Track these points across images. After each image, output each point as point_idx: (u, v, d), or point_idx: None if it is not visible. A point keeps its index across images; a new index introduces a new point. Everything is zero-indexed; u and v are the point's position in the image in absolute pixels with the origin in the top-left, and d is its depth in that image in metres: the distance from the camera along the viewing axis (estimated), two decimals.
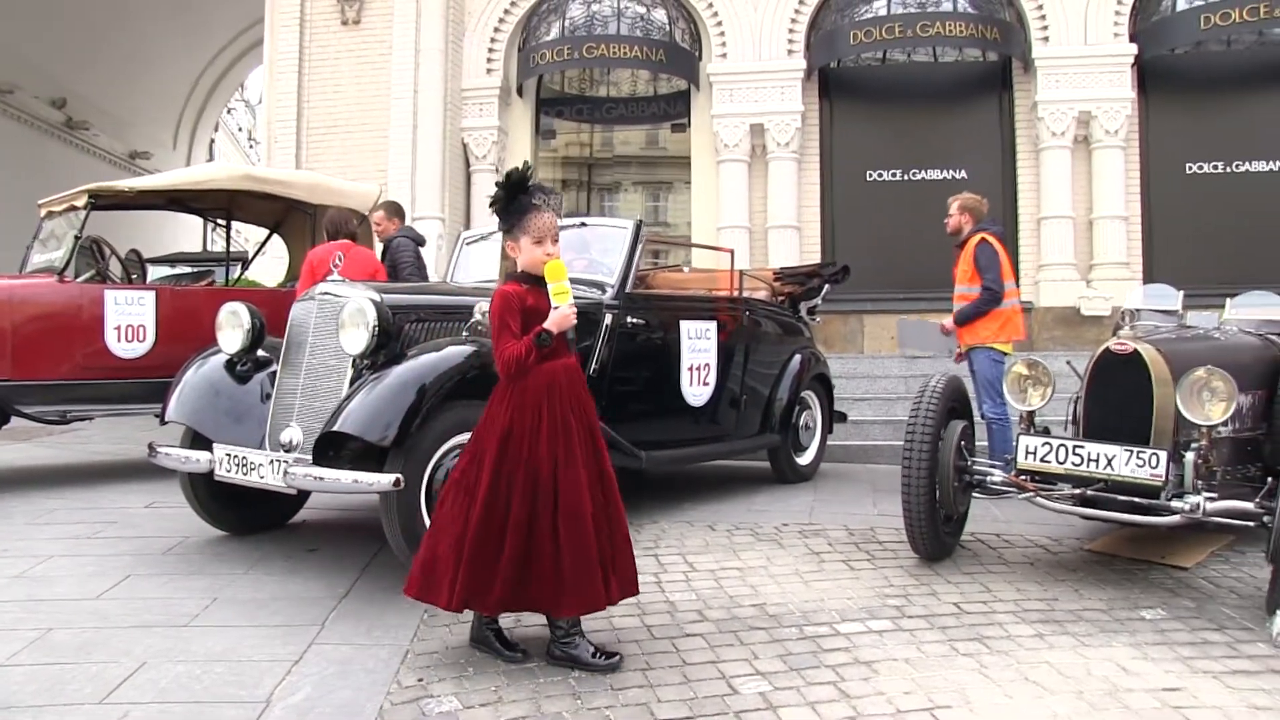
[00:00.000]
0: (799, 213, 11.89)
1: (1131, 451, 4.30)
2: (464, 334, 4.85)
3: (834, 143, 12.24)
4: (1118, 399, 4.64)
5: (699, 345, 6.10)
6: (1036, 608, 4.28)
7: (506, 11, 12.45)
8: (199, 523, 5.45)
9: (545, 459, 3.42)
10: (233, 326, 5.39)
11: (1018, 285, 6.89)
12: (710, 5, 12.09)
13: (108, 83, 20.31)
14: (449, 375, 4.55)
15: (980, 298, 6.69)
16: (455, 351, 4.66)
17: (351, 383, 4.67)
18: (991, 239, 6.78)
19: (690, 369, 6.06)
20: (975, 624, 4.05)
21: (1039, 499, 4.59)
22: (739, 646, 3.81)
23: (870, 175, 12.07)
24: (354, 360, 4.75)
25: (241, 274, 9.99)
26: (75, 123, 20.06)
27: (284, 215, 9.05)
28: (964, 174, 11.89)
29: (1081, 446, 4.41)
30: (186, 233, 21.87)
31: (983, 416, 6.56)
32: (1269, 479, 4.55)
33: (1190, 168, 11.70)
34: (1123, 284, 10.89)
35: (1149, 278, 11.43)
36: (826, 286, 7.67)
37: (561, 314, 3.44)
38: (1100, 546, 5.26)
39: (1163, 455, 4.24)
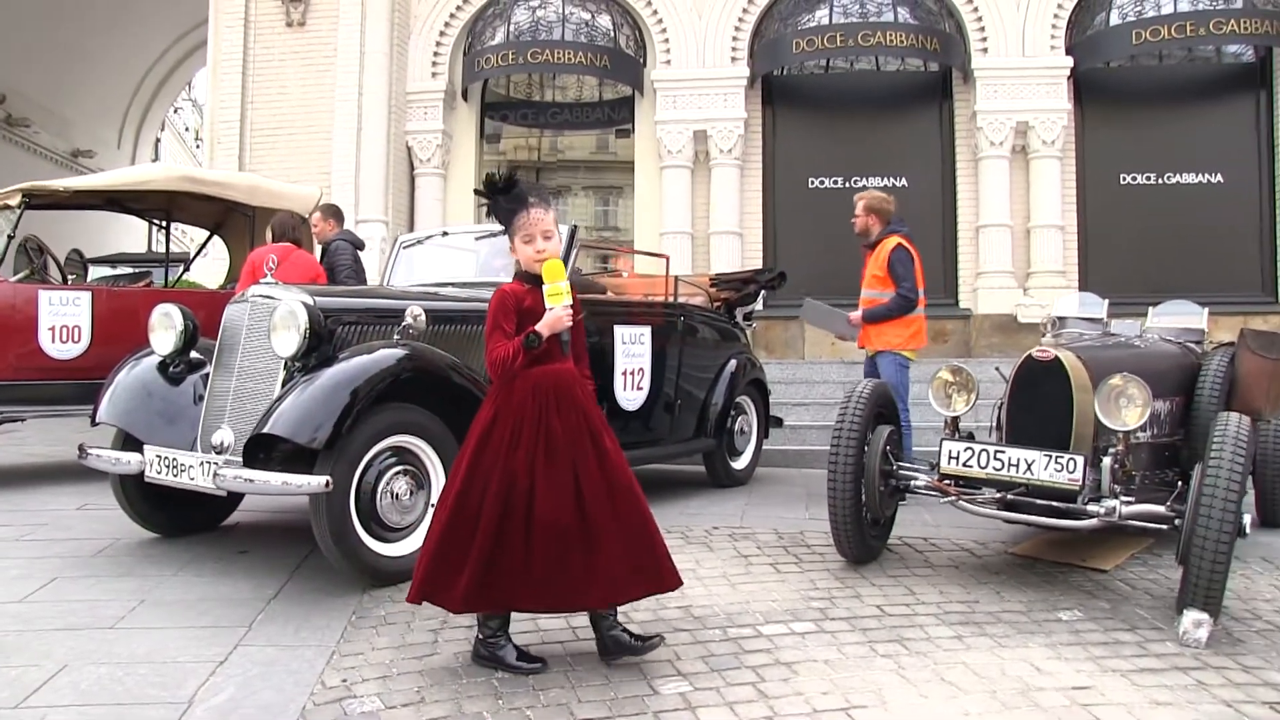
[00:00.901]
0: (741, 219, 11.99)
1: (1050, 456, 4.41)
2: (395, 337, 4.86)
3: (777, 150, 12.36)
4: (1040, 405, 4.74)
5: (633, 350, 6.15)
6: (957, 610, 4.35)
7: (452, 15, 12.44)
8: (131, 525, 5.42)
9: (522, 464, 3.34)
10: (165, 328, 5.38)
11: (926, 293, 6.89)
12: (655, 12, 12.16)
13: (49, 80, 20.00)
14: (380, 378, 4.57)
15: (895, 303, 6.67)
16: (386, 355, 4.68)
17: (283, 385, 4.67)
18: (907, 244, 6.78)
19: (624, 373, 6.11)
20: (896, 626, 4.12)
21: (962, 503, 4.67)
22: (662, 648, 3.85)
23: (812, 182, 12.21)
24: (286, 362, 4.77)
25: (182, 275, 9.90)
26: (15, 120, 19.74)
27: (224, 217, 8.99)
28: (905, 182, 12.07)
29: (1003, 451, 4.51)
30: (131, 233, 21.58)
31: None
32: (1179, 483, 4.66)
33: (1124, 178, 11.97)
34: (1059, 291, 11.05)
35: (1084, 286, 11.67)
36: (763, 293, 7.75)
37: (555, 315, 3.35)
38: (1024, 550, 5.36)
39: (1080, 460, 4.34)
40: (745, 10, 12.04)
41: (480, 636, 3.57)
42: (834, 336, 8.12)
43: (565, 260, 5.85)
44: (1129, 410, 4.41)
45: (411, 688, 3.47)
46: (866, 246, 6.97)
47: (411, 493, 4.71)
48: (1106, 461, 4.43)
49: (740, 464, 7.41)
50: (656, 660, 3.70)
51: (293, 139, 11.97)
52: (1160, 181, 11.90)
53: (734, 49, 11.97)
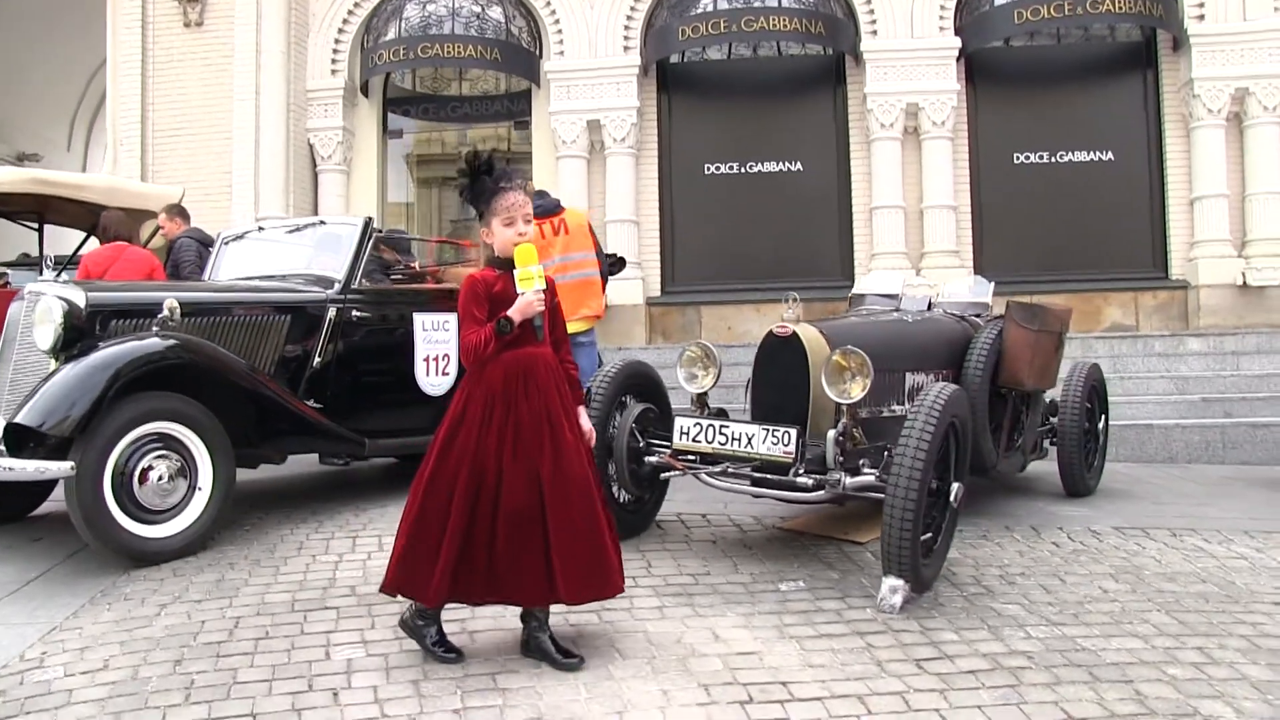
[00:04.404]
0: (637, 207, 12.01)
1: (768, 430, 4.50)
2: (154, 329, 4.99)
3: (672, 137, 12.38)
4: (780, 380, 4.83)
5: (436, 337, 6.24)
6: (681, 582, 4.44)
7: (350, 12, 12.48)
8: None
9: (491, 454, 3.32)
10: None
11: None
12: (549, 4, 12.17)
13: None
14: (128, 368, 4.74)
15: None
16: (135, 346, 4.85)
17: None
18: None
19: (426, 360, 6.21)
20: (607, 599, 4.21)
21: (704, 476, 4.75)
22: (365, 618, 3.98)
23: (708, 169, 12.24)
24: (54, 355, 4.92)
25: (58, 276, 9.98)
26: None
27: (97, 219, 9.08)
28: (800, 166, 12.13)
29: (726, 426, 4.59)
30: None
31: None
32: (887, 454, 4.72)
33: (1017, 158, 11.98)
34: (951, 271, 11.14)
35: (979, 265, 11.71)
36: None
37: (526, 300, 3.33)
38: (792, 525, 5.43)
39: (793, 433, 4.43)
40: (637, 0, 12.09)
41: (411, 609, 3.54)
42: None
43: (359, 252, 6.00)
44: (853, 383, 4.48)
45: (103, 657, 3.65)
46: None
47: (171, 477, 4.85)
48: (831, 434, 4.50)
49: None
50: (350, 629, 3.85)
51: (194, 139, 12.04)
52: (1053, 160, 11.92)
53: (626, 38, 11.99)
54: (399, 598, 3.57)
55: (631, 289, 11.67)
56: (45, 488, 5.75)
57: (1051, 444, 6.43)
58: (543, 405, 3.41)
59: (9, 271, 9.16)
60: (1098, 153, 11.84)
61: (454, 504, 3.32)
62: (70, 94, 22.61)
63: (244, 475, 6.23)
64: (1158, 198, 11.71)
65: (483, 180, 3.41)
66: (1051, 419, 6.47)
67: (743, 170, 12.22)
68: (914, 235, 11.72)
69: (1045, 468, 6.70)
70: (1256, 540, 5.34)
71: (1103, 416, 6.66)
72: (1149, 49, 11.91)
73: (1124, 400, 8.76)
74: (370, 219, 6.22)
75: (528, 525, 3.32)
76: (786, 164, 12.15)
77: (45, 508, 5.96)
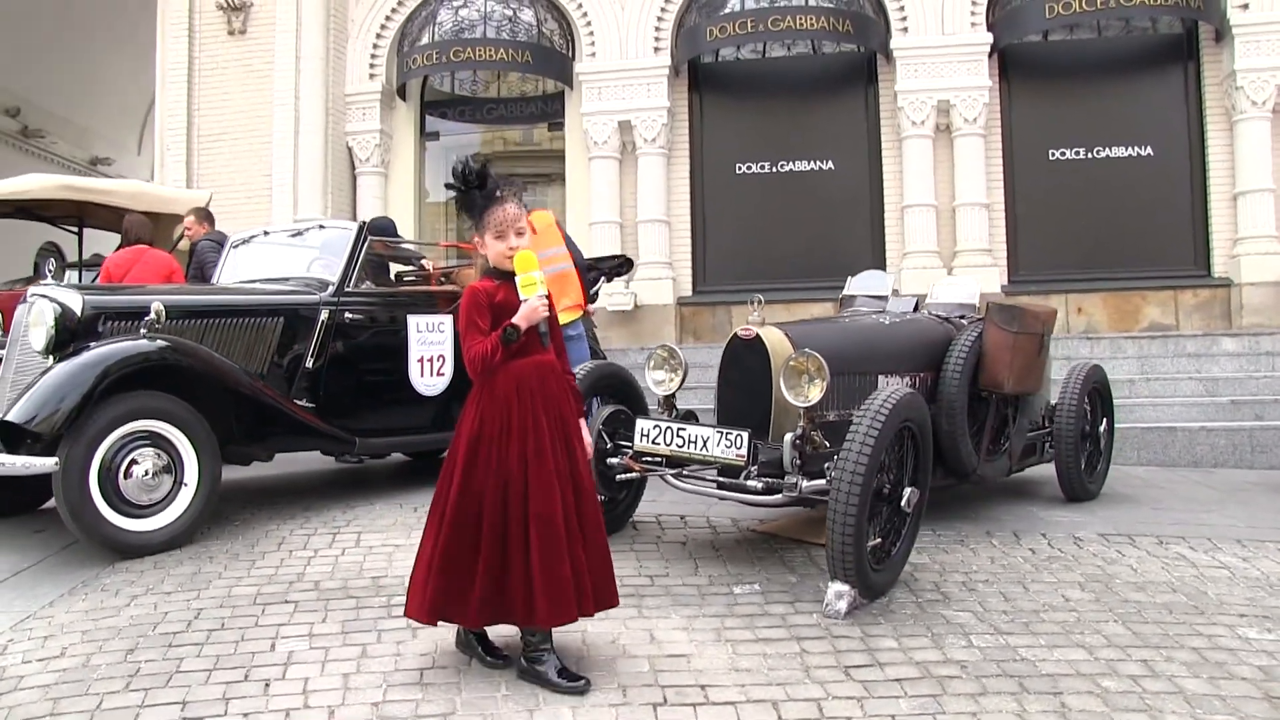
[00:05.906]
0: (669, 207, 12.07)
1: (721, 432, 4.51)
2: (142, 331, 5.16)
3: (704, 136, 12.40)
4: (745, 383, 4.84)
5: (430, 338, 6.36)
6: (637, 584, 4.46)
7: (388, 18, 12.71)
8: None
9: (515, 461, 3.27)
10: None
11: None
12: (580, 6, 12.29)
13: (64, 91, 20.70)
14: (116, 367, 4.92)
15: None
16: (123, 346, 5.03)
17: None
18: None
19: (421, 360, 6.33)
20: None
21: (668, 478, 4.78)
22: (318, 613, 4.08)
23: (740, 168, 12.24)
24: (47, 356, 5.13)
25: (96, 277, 10.33)
26: (31, 131, 20.46)
27: None
28: (831, 164, 12.07)
29: (684, 429, 4.61)
30: None
31: None
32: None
33: (1052, 154, 11.79)
34: (985, 270, 11.04)
35: (1012, 263, 11.61)
36: (602, 279, 7.81)
37: (530, 307, 3.26)
38: (768, 527, 5.43)
39: (745, 436, 4.43)
40: (668, 0, 12.13)
41: (522, 648, 3.43)
42: None
43: (353, 256, 6.13)
44: (811, 386, 4.48)
45: (62, 645, 3.80)
46: None
47: (156, 473, 5.02)
48: (788, 438, 4.50)
49: None
50: (301, 623, 3.95)
51: (236, 143, 12.36)
52: (1090, 156, 11.70)
53: (657, 39, 12.04)
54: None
55: (662, 289, 11.75)
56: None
57: (1051, 448, 6.33)
58: (558, 414, 3.39)
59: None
60: (1137, 148, 11.60)
61: (485, 520, 3.27)
62: (140, 102, 23.24)
63: (247, 471, 6.44)
64: (1199, 193, 11.45)
65: (472, 195, 3.36)
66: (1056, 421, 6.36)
67: (774, 169, 12.21)
68: (946, 234, 11.60)
69: (1048, 472, 6.60)
70: (1247, 549, 5.20)
71: (1105, 419, 6.54)
72: (1190, 41, 11.64)
73: (1149, 402, 8.60)
74: (364, 224, 6.36)
75: (556, 530, 3.26)
76: (818, 163, 12.11)
77: (53, 501, 6.19)
